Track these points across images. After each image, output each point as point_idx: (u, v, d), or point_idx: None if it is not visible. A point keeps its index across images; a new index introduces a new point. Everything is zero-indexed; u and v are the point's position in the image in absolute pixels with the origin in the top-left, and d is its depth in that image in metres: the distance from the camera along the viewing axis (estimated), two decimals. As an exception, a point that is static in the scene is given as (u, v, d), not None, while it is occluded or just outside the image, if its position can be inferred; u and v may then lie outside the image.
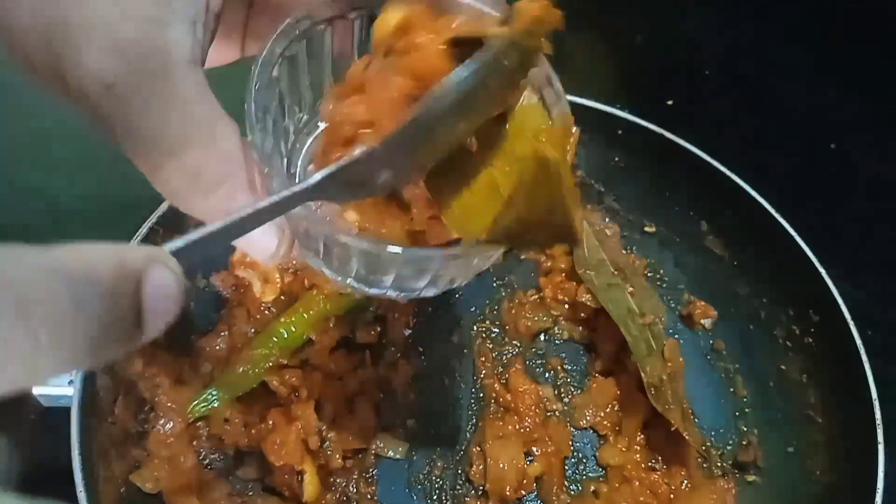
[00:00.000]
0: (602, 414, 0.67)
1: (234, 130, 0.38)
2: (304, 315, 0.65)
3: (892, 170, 0.94)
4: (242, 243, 0.41)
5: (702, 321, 0.74)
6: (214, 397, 0.61)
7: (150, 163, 0.38)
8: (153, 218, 0.63)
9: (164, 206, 0.64)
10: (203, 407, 0.61)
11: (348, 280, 0.44)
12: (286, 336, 0.64)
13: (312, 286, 0.66)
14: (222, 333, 0.66)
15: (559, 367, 0.71)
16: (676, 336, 0.74)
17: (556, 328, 0.73)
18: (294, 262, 0.55)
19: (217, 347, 0.65)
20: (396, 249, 0.37)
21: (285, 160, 0.44)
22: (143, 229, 0.62)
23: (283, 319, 0.65)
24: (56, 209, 0.81)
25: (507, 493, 0.61)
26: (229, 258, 0.69)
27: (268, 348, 0.64)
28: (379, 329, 0.69)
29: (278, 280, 0.68)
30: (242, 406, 0.62)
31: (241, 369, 0.63)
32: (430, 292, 0.44)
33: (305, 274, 0.67)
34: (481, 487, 0.63)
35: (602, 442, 0.67)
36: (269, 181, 0.38)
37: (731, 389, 0.71)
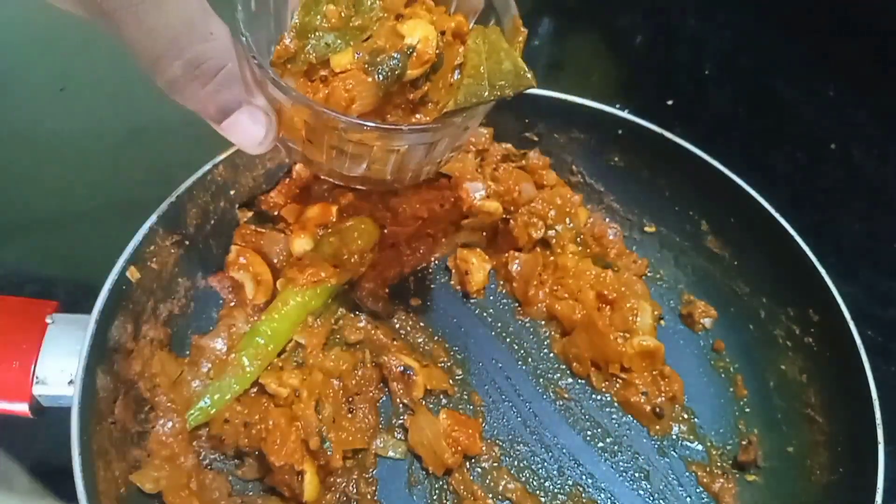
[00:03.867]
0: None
1: (226, 28, 0.43)
2: (283, 309, 0.65)
3: (892, 170, 0.94)
4: (233, 131, 0.46)
5: (702, 321, 0.74)
6: (209, 405, 0.61)
7: (151, 54, 0.42)
8: (153, 218, 0.63)
9: (163, 207, 0.64)
10: (199, 415, 0.61)
11: (326, 167, 0.51)
12: (270, 334, 0.64)
13: (289, 281, 0.66)
14: (221, 333, 0.66)
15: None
16: (676, 336, 0.74)
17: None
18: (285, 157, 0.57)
19: (216, 347, 0.65)
20: (371, 123, 0.45)
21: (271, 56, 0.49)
22: (144, 229, 0.62)
23: (263, 318, 0.65)
24: (57, 209, 0.81)
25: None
26: (225, 259, 0.69)
27: (255, 348, 0.64)
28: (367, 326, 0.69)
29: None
30: (242, 406, 0.62)
31: (229, 372, 0.63)
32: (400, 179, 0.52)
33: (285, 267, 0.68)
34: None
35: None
36: (260, 74, 0.44)
37: (731, 389, 0.71)
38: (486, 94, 0.46)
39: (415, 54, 0.46)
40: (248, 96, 0.45)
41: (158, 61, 0.41)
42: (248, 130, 0.46)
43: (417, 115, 0.49)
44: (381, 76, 0.46)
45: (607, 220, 0.80)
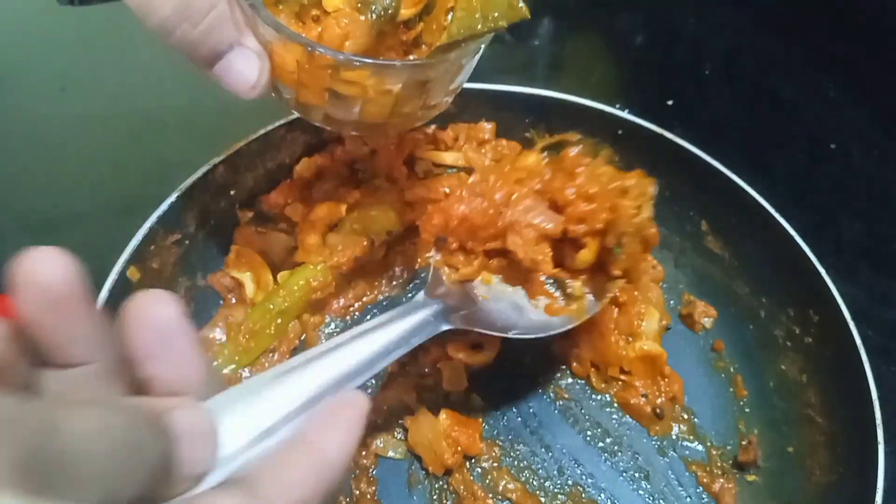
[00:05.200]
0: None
1: None
2: (294, 284, 0.66)
3: (892, 170, 0.94)
4: (225, 74, 0.45)
5: (702, 321, 0.73)
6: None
7: None
8: (153, 218, 0.63)
9: (163, 207, 0.64)
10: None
11: (320, 112, 0.50)
12: (288, 303, 0.66)
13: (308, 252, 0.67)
14: (219, 323, 0.66)
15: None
16: (676, 336, 0.74)
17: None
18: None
19: (216, 337, 0.65)
20: (364, 59, 0.44)
21: None
22: (144, 229, 0.62)
23: (279, 293, 0.67)
24: (58, 209, 0.81)
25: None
26: (225, 258, 0.69)
27: (268, 317, 0.65)
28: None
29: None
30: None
31: (239, 346, 0.63)
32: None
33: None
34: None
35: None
36: (252, 13, 0.44)
37: (731, 389, 0.71)
38: (480, 25, 0.45)
39: None
40: (240, 37, 0.45)
41: (150, 2, 0.42)
42: (241, 73, 0.45)
43: (411, 57, 0.48)
44: (374, 15, 0.45)
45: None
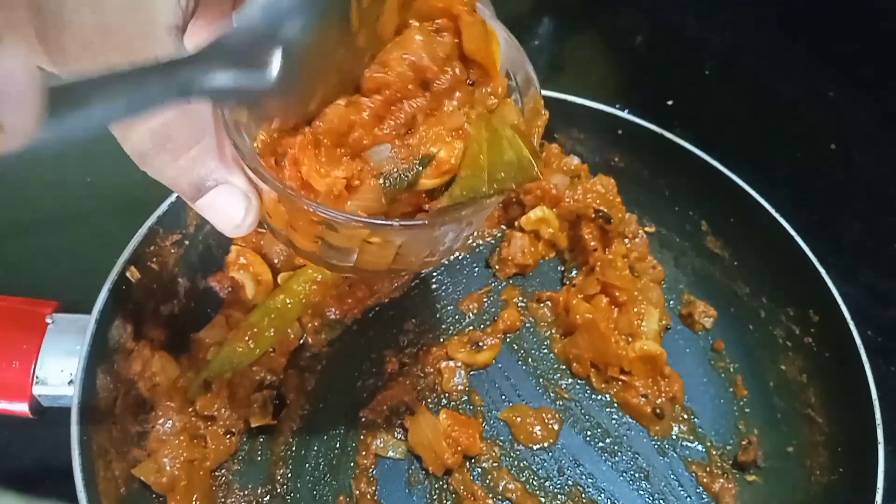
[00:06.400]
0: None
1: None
2: (295, 286, 0.66)
3: (892, 170, 0.94)
4: (208, 211, 0.40)
5: (702, 321, 0.74)
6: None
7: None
8: (153, 218, 0.63)
9: (163, 207, 0.64)
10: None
11: (314, 256, 0.45)
12: (289, 305, 0.66)
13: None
14: (220, 324, 0.66)
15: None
16: (676, 336, 0.74)
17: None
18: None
19: (216, 339, 0.65)
20: (359, 218, 0.38)
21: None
22: (143, 229, 0.62)
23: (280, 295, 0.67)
24: (57, 209, 0.81)
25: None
26: (225, 258, 0.69)
27: (267, 320, 0.65)
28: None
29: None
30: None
31: (239, 346, 0.63)
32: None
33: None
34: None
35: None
36: (238, 153, 0.38)
37: (731, 389, 0.71)
38: (485, 188, 0.40)
39: (433, 163, 0.39)
40: (226, 173, 0.40)
41: (126, 130, 0.37)
42: (226, 212, 0.40)
43: (424, 207, 0.42)
44: (387, 183, 0.39)
45: (639, 220, 0.78)
